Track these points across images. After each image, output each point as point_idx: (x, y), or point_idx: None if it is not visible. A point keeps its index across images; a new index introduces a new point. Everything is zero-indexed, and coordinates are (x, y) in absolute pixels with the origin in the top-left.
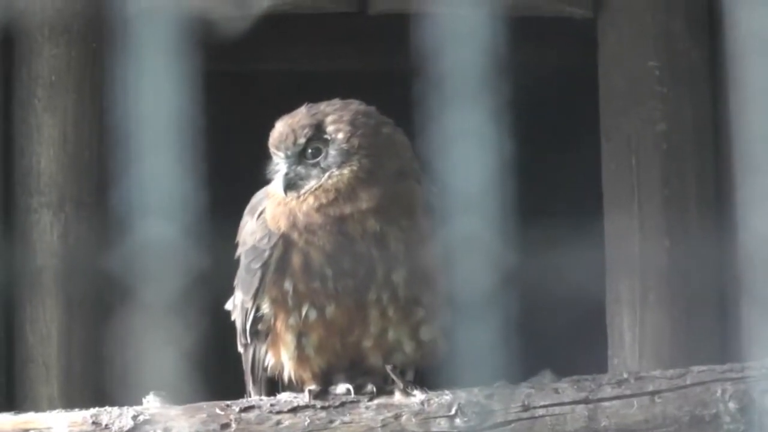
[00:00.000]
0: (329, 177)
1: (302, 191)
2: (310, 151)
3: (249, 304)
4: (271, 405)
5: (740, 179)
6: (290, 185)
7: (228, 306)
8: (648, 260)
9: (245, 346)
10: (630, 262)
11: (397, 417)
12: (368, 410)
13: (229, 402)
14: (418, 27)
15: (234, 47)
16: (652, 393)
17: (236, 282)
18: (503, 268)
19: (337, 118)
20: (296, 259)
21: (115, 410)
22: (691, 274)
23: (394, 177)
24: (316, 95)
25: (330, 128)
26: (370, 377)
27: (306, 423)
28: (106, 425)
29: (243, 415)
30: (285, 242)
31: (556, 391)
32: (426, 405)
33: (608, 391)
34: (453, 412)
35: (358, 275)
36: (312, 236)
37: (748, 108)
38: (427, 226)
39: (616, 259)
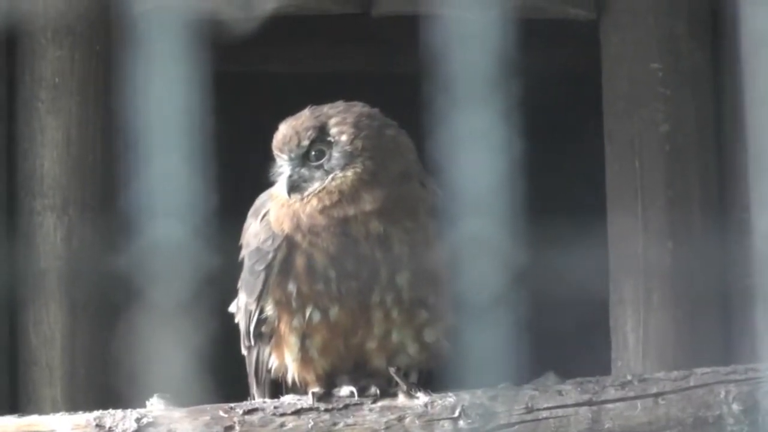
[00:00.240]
0: (332, 179)
1: (306, 193)
2: (313, 153)
3: (253, 306)
4: (275, 407)
5: (750, 180)
6: (294, 187)
7: (232, 308)
8: (651, 261)
9: (249, 348)
10: (633, 264)
11: (400, 419)
12: (372, 412)
13: (232, 404)
14: (425, 28)
15: (239, 48)
16: (656, 395)
17: (240, 284)
18: (513, 269)
19: (340, 120)
20: (300, 261)
21: (119, 413)
22: (695, 276)
23: (397, 179)
24: (321, 97)
25: (333, 130)
26: (373, 379)
27: (309, 425)
28: (110, 428)
29: (246, 417)
30: (289, 244)
31: (559, 393)
32: (429, 407)
33: (612, 392)
34: (456, 414)
35: (362, 277)
36: (315, 238)
37: (755, 107)
38: (431, 228)
39: (619, 261)
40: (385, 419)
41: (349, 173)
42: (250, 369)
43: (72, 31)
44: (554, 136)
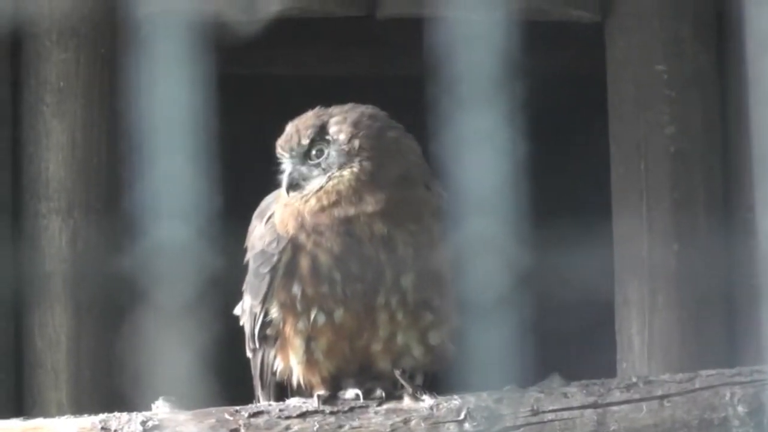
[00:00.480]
0: (329, 178)
1: (305, 192)
2: (314, 152)
3: (258, 309)
4: (280, 410)
5: (754, 180)
6: (292, 185)
7: (237, 311)
8: (657, 264)
9: (254, 351)
10: (639, 266)
11: (406, 422)
12: (377, 415)
13: (238, 407)
14: (429, 30)
15: (243, 51)
16: (661, 397)
17: (245, 287)
18: (517, 270)
19: (340, 119)
20: (304, 263)
21: (124, 416)
22: (700, 277)
23: (399, 181)
24: (325, 100)
25: (332, 129)
26: (379, 382)
27: (315, 428)
28: (115, 431)
29: (252, 420)
30: (293, 246)
31: (565, 395)
32: (435, 410)
33: (617, 395)
34: (462, 416)
35: (367, 279)
36: (320, 237)
37: (759, 109)
38: (436, 230)
39: (624, 262)
40: (390, 422)
41: (346, 173)
42: (255, 371)
43: (77, 34)
44: (560, 138)
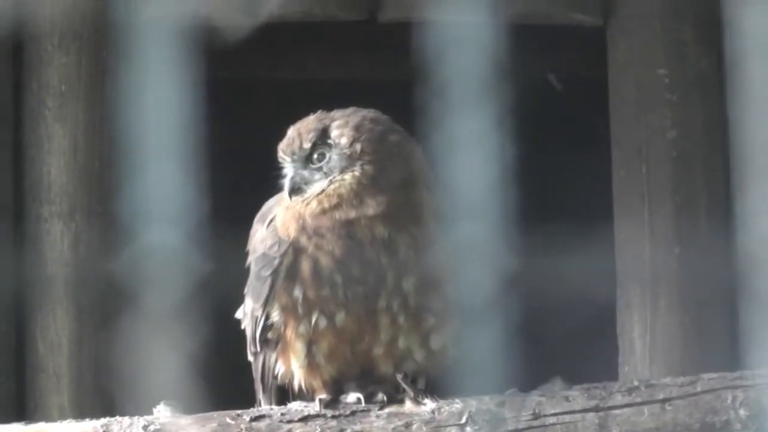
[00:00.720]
0: (331, 182)
1: (306, 195)
2: (315, 156)
3: (259, 312)
4: (282, 414)
5: (744, 184)
6: (294, 189)
7: (238, 314)
8: (658, 267)
9: (255, 354)
10: (640, 269)
11: (407, 426)
12: (379, 419)
13: (239, 411)
14: (420, 34)
15: (245, 54)
16: (663, 400)
17: (246, 290)
18: (505, 274)
19: (342, 123)
20: (306, 266)
21: (126, 420)
22: (702, 281)
23: (400, 184)
24: (325, 103)
25: (334, 133)
26: (380, 386)
27: None
28: None
29: (254, 424)
30: (295, 249)
31: (566, 399)
32: (437, 413)
33: (619, 398)
34: (464, 420)
35: (368, 282)
36: (321, 240)
37: (751, 113)
38: (437, 234)
39: (626, 266)
40: (392, 426)
41: (347, 176)
42: (257, 375)
43: (78, 38)
44: (562, 142)
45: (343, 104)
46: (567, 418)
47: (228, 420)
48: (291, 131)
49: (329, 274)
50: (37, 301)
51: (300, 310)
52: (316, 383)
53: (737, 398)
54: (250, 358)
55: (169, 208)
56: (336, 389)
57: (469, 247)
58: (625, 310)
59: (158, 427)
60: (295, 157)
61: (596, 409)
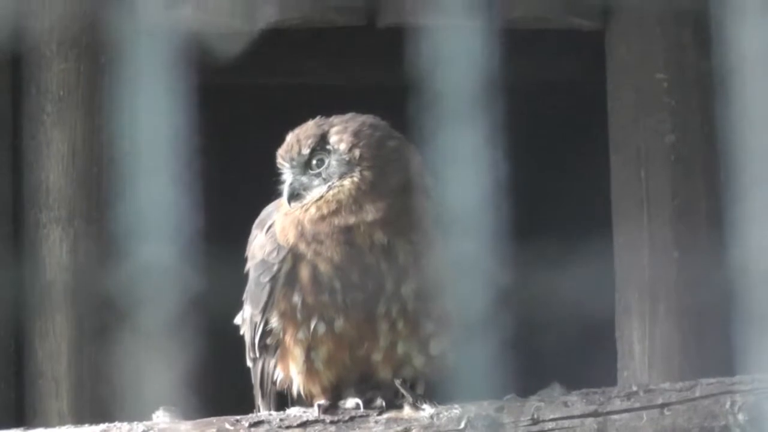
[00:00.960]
0: (330, 188)
1: (305, 201)
2: (314, 161)
3: (258, 318)
4: (281, 420)
5: (741, 193)
6: (293, 195)
7: (237, 320)
8: (657, 272)
9: (254, 360)
10: (639, 274)
11: (406, 431)
12: (378, 424)
13: (238, 417)
14: (414, 44)
15: (243, 60)
16: (662, 405)
17: (245, 296)
18: (499, 288)
19: (341, 129)
20: (305, 272)
21: (125, 425)
22: (701, 286)
23: (400, 190)
24: (325, 109)
25: (333, 138)
26: (379, 391)
27: None
28: None
29: (252, 430)
30: (294, 255)
31: (565, 404)
32: (435, 419)
33: (618, 403)
34: (462, 425)
35: (367, 288)
36: (320, 246)
37: (749, 122)
38: (436, 240)
39: (625, 271)
40: (391, 431)
41: (347, 182)
42: (256, 381)
43: (77, 44)
44: (560, 147)
45: (341, 110)
46: (566, 423)
47: (227, 425)
48: (290, 137)
49: (328, 280)
50: (36, 307)
51: (299, 315)
52: (315, 389)
53: (736, 403)
54: (249, 363)
55: (162, 224)
56: (335, 395)
57: (462, 262)
58: (624, 314)
59: None
60: (294, 163)
61: (595, 414)
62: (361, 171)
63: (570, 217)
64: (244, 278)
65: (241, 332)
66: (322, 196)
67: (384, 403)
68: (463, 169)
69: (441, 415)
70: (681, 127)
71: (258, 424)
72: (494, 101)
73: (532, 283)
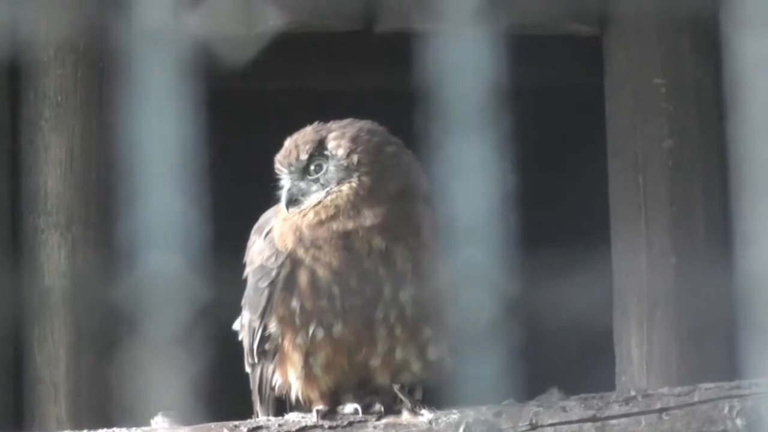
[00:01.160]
0: (328, 193)
1: (303, 207)
2: (312, 167)
3: (256, 324)
4: (279, 425)
5: (745, 207)
6: (291, 200)
7: (235, 326)
8: (655, 277)
9: (253, 365)
10: (637, 279)
11: None
12: (376, 430)
13: (237, 422)
14: (419, 54)
15: (243, 66)
16: (660, 410)
17: (243, 302)
18: (506, 299)
19: (339, 134)
20: (303, 277)
21: (124, 431)
22: (699, 291)
23: (397, 196)
24: (323, 114)
25: (331, 144)
26: (378, 396)
27: None
28: None
29: None
30: (292, 261)
31: (563, 409)
32: (434, 424)
33: (616, 408)
34: (461, 430)
35: (366, 294)
36: (318, 251)
37: (751, 135)
38: (435, 245)
39: (623, 277)
40: None
41: (344, 188)
42: (254, 387)
43: (75, 49)
44: (558, 153)
45: (340, 115)
46: (564, 428)
47: (225, 431)
48: (288, 143)
49: (326, 286)
50: (35, 312)
51: (297, 321)
52: (314, 394)
53: (734, 408)
54: (248, 369)
55: (170, 234)
56: (333, 400)
57: (470, 272)
58: (622, 320)
59: None
60: (292, 168)
61: (593, 419)
62: (359, 176)
63: (569, 223)
64: (242, 284)
65: (240, 338)
66: (320, 202)
67: (382, 409)
68: (471, 179)
69: (439, 421)
70: (679, 133)
71: (256, 429)
72: (502, 110)
73: (537, 291)
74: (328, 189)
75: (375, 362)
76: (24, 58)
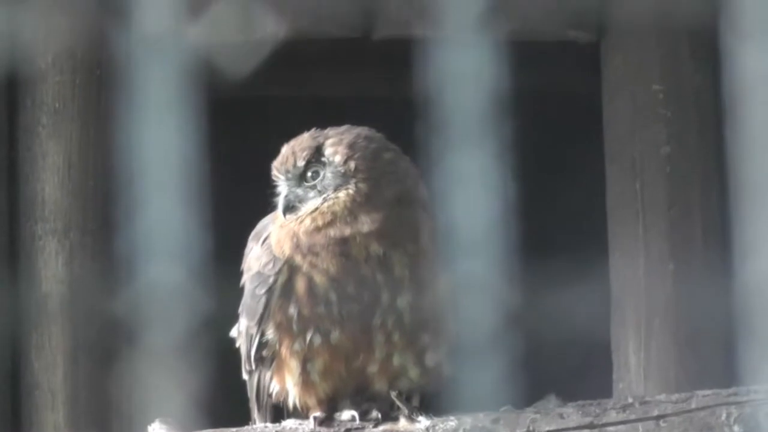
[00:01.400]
0: (325, 200)
1: (300, 213)
2: (309, 173)
3: (254, 330)
4: None
5: (745, 219)
6: (288, 207)
7: (233, 333)
8: (653, 283)
9: (250, 372)
10: (635, 285)
11: None
12: None
13: (234, 429)
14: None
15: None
16: (657, 417)
17: (241, 308)
18: (507, 310)
19: (336, 141)
20: (301, 284)
21: None
22: (697, 298)
23: (395, 202)
24: (321, 121)
25: (328, 151)
26: (375, 403)
27: None
28: None
29: None
30: (290, 267)
31: (561, 416)
32: (431, 430)
33: (613, 415)
34: None
35: (363, 300)
36: (315, 258)
37: (751, 149)
38: (433, 251)
39: (621, 283)
40: None
41: (341, 194)
42: (252, 393)
43: (73, 56)
44: (556, 159)
45: (340, 123)
46: None
47: None
48: (285, 149)
49: (324, 292)
50: (32, 319)
51: (295, 327)
52: (311, 401)
53: (732, 415)
54: (245, 376)
55: (170, 246)
56: (331, 407)
57: (469, 284)
58: (620, 326)
59: None
60: (289, 175)
61: (591, 426)
62: (356, 183)
63: (567, 230)
64: (240, 291)
65: (237, 345)
66: (317, 208)
67: (380, 415)
68: (472, 188)
69: (437, 427)
70: (677, 139)
71: None
72: (502, 118)
73: (536, 300)
74: (325, 195)
75: (372, 369)
76: (22, 65)
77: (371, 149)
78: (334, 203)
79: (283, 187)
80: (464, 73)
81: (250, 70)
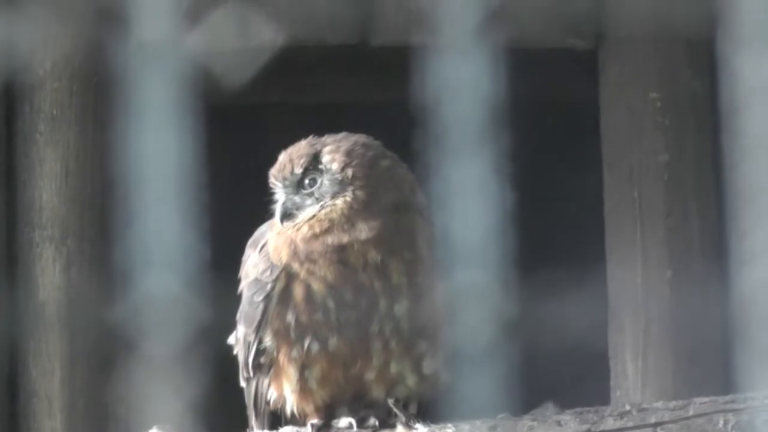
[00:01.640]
0: (322, 207)
1: (297, 220)
2: (307, 181)
3: (252, 337)
4: None
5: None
6: (286, 214)
7: (230, 340)
8: (651, 291)
9: (248, 380)
10: (633, 293)
11: None
12: None
13: None
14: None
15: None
16: (655, 425)
17: (238, 316)
18: (504, 318)
19: (334, 148)
20: (298, 291)
21: None
22: (694, 305)
23: (393, 209)
24: (318, 128)
25: (326, 158)
26: (372, 410)
27: None
28: None
29: None
30: (287, 274)
31: (558, 423)
32: None
33: (611, 422)
34: None
35: (361, 307)
36: (313, 265)
37: (749, 158)
38: (430, 259)
39: (618, 290)
40: None
41: (339, 201)
42: (249, 401)
43: (70, 63)
44: (553, 167)
45: (338, 130)
46: None
47: None
48: (282, 157)
49: (322, 299)
50: (30, 326)
51: (293, 334)
52: (309, 408)
53: (729, 422)
54: (243, 383)
55: (168, 255)
56: (328, 414)
57: (467, 294)
58: (617, 333)
59: None
60: (287, 182)
61: None
62: (353, 190)
63: (565, 238)
64: (237, 298)
65: (235, 352)
66: (314, 216)
67: (377, 422)
68: (469, 197)
69: None
70: (674, 147)
71: None
72: (500, 126)
73: (533, 309)
74: (322, 203)
75: (370, 376)
76: (20, 72)
77: (369, 157)
78: (331, 210)
79: (280, 195)
80: (462, 81)
81: (248, 78)
